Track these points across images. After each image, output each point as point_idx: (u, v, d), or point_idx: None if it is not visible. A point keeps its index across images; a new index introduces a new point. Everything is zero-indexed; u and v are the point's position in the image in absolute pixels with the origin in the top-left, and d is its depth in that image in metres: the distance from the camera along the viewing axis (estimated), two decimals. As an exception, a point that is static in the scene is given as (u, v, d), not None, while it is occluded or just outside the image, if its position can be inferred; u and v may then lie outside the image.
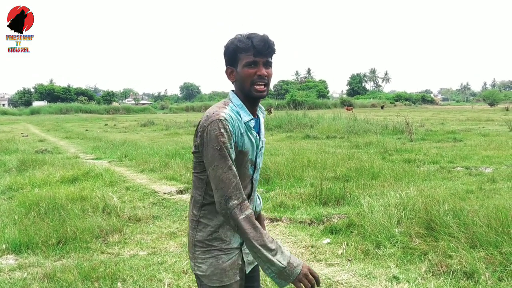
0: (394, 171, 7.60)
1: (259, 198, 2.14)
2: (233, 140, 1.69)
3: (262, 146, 1.90)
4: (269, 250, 1.64)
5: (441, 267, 3.62)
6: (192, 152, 1.83)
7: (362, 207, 5.13)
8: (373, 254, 4.07)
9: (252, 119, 1.79)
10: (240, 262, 1.83)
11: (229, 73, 1.81)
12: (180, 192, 7.04)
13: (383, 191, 5.83)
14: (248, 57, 1.72)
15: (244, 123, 1.75)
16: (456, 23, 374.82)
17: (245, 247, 1.82)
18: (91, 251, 4.36)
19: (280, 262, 1.64)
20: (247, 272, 1.90)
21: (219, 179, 1.65)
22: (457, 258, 3.64)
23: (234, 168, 1.67)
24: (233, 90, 1.83)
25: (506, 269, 3.46)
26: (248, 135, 1.77)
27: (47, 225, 4.80)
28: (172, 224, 5.30)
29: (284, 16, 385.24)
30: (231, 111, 1.73)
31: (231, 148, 1.68)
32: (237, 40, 1.74)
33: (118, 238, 4.74)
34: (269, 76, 1.77)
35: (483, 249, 3.73)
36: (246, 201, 1.68)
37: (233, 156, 1.69)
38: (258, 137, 1.83)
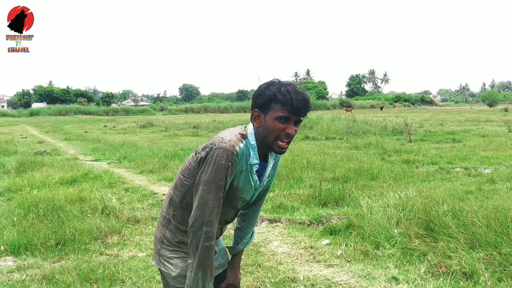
0: (393, 172, 7.60)
1: (252, 235, 2.13)
2: (235, 172, 1.71)
3: (263, 185, 1.89)
4: (204, 282, 1.72)
5: (441, 268, 3.62)
6: (192, 157, 1.82)
7: (361, 208, 5.12)
8: (372, 255, 4.07)
9: (258, 163, 1.77)
10: None
11: (255, 117, 1.75)
12: (179, 193, 7.02)
13: (382, 192, 5.83)
14: (283, 111, 1.67)
15: (250, 164, 1.74)
16: (454, 24, 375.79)
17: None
18: (90, 253, 4.35)
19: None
20: (214, 275, 1.91)
21: (206, 202, 1.67)
22: (456, 259, 3.63)
23: (222, 199, 1.70)
24: (253, 125, 1.79)
25: (505, 270, 3.45)
26: (247, 176, 1.75)
27: (45, 227, 4.79)
28: (171, 226, 5.28)
29: (284, 17, 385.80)
30: (245, 146, 1.71)
31: (228, 181, 1.70)
32: (277, 90, 1.67)
33: (117, 240, 4.73)
34: (295, 134, 1.74)
35: (482, 249, 3.73)
36: (214, 232, 1.71)
37: (226, 187, 1.72)
38: (258, 182, 1.81)
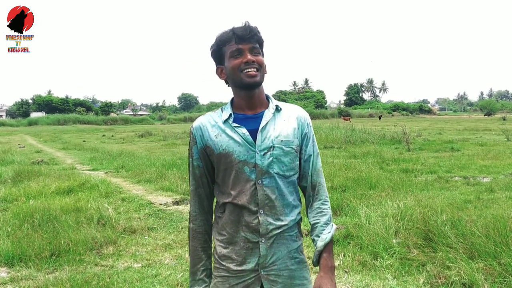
0: (392, 181, 7.57)
1: (331, 227, 1.68)
2: (199, 146, 1.68)
3: (271, 146, 1.61)
4: (190, 266, 1.74)
5: (440, 279, 3.57)
6: None
7: (359, 218, 5.08)
8: (370, 266, 4.02)
9: (230, 114, 1.65)
10: (258, 287, 1.65)
11: (220, 72, 1.71)
12: (176, 203, 6.98)
13: (381, 201, 5.79)
14: (231, 47, 1.62)
15: (223, 122, 1.65)
16: (452, 33, 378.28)
17: (267, 269, 1.64)
18: (85, 264, 4.29)
19: (191, 284, 1.73)
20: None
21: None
22: (455, 269, 3.59)
23: (194, 175, 1.72)
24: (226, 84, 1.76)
25: (505, 280, 3.41)
26: (227, 134, 1.63)
27: (40, 237, 4.74)
28: (167, 236, 5.24)
29: (282, 27, 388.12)
30: (208, 116, 1.71)
31: (196, 157, 1.70)
32: (219, 34, 1.66)
33: (113, 250, 4.68)
34: (259, 62, 1.63)
35: (481, 260, 3.69)
36: (196, 212, 1.73)
37: (199, 163, 1.70)
38: (247, 135, 1.61)
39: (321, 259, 1.64)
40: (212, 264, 1.73)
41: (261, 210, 1.61)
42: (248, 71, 1.59)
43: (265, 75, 1.68)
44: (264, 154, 1.60)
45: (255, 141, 1.61)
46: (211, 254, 1.75)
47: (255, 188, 1.60)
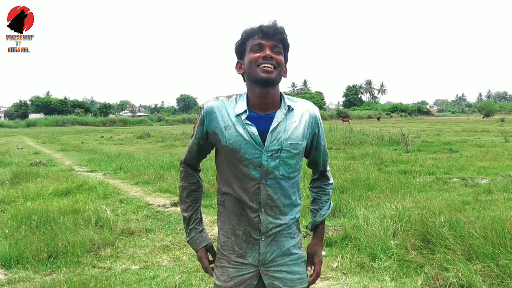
0: (390, 182, 7.57)
1: (330, 206, 1.87)
2: (206, 129, 1.68)
3: (280, 149, 1.61)
4: (184, 220, 1.83)
5: (438, 280, 3.57)
6: None
7: (357, 219, 5.08)
8: (368, 267, 4.01)
9: (245, 110, 1.62)
10: (255, 283, 1.67)
11: (239, 67, 1.70)
12: (174, 204, 6.96)
13: (379, 203, 5.79)
14: (254, 41, 1.62)
15: (236, 115, 1.62)
16: (451, 35, 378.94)
17: (267, 266, 1.68)
18: (82, 266, 4.28)
19: (186, 235, 1.83)
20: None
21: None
22: (453, 271, 3.59)
23: (191, 150, 1.77)
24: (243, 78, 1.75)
25: (503, 282, 3.41)
26: (237, 129, 1.60)
27: (38, 239, 4.72)
28: (165, 237, 5.22)
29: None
30: (221, 102, 1.66)
31: (199, 136, 1.72)
32: (246, 29, 1.66)
33: (110, 252, 4.66)
34: (278, 61, 1.60)
35: (479, 261, 3.69)
36: (189, 173, 1.82)
37: (199, 141, 1.73)
38: (256, 134, 1.59)
39: (317, 229, 1.86)
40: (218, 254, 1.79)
41: (262, 209, 1.64)
42: (265, 66, 1.58)
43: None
44: (271, 155, 1.60)
45: (264, 141, 1.60)
46: (200, 207, 1.86)
47: (258, 187, 1.62)
